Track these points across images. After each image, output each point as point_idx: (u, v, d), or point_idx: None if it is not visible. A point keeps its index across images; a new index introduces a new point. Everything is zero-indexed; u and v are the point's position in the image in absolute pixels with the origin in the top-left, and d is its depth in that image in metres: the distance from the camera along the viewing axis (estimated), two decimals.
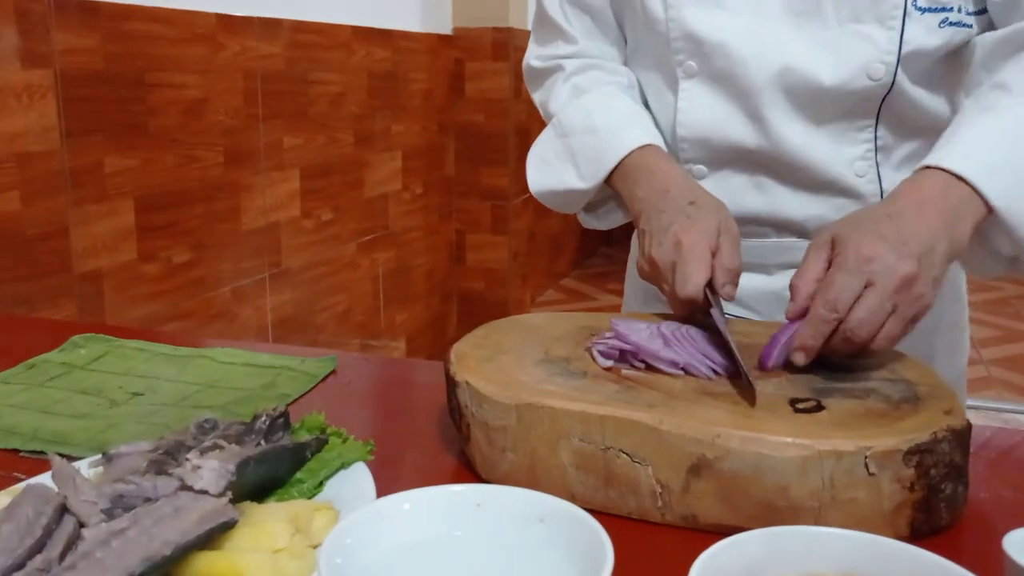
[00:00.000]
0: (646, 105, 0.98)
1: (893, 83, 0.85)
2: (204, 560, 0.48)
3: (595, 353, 0.70)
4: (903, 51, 0.83)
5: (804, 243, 0.91)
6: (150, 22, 1.86)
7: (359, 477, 0.59)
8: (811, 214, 0.90)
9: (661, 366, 0.68)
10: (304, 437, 0.62)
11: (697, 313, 0.76)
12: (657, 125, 0.96)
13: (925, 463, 0.56)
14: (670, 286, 0.77)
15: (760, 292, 0.94)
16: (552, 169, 0.96)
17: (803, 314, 0.69)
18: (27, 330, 1.09)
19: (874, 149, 0.88)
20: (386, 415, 0.80)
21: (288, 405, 0.77)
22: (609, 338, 0.71)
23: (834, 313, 0.66)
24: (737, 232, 0.80)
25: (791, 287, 0.71)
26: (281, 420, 0.63)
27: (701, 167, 0.94)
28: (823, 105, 0.87)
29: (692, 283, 0.74)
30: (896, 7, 0.83)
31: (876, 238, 0.68)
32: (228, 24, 2.11)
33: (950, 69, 0.88)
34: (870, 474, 0.55)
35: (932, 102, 0.88)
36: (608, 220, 1.01)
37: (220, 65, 2.09)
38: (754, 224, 0.93)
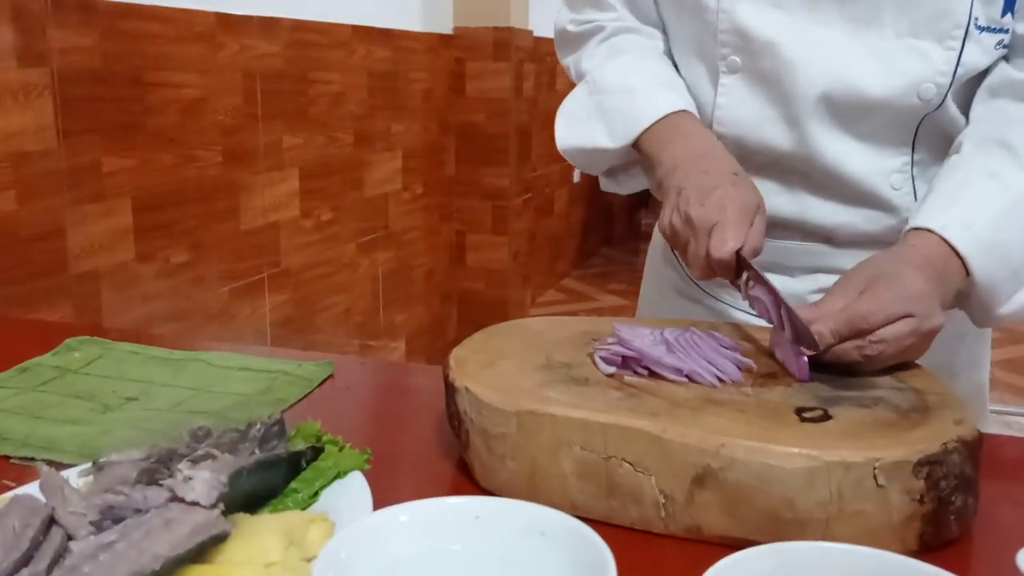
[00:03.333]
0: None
1: (941, 104, 0.83)
2: (195, 574, 0.46)
3: (597, 359, 0.69)
4: (959, 72, 0.81)
5: (830, 249, 0.91)
6: (148, 21, 1.85)
7: (355, 487, 0.58)
8: (842, 222, 0.89)
9: (664, 373, 0.66)
10: (299, 445, 0.61)
11: (717, 278, 0.76)
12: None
13: (935, 475, 0.55)
14: (701, 246, 0.76)
15: (782, 294, 0.93)
16: (581, 126, 0.94)
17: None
18: (21, 332, 1.08)
19: (911, 163, 0.86)
20: (384, 421, 0.79)
21: (284, 410, 0.76)
22: (612, 344, 0.69)
23: (865, 323, 0.66)
24: (764, 208, 0.80)
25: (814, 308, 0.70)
26: (276, 428, 0.62)
27: None
28: (866, 118, 0.85)
29: (729, 247, 0.74)
30: (958, 26, 0.80)
31: (923, 279, 0.70)
32: (227, 23, 2.10)
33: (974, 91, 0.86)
34: (879, 486, 0.54)
35: (963, 120, 0.86)
36: (629, 185, 1.00)
37: (219, 64, 2.08)
38: (782, 227, 0.92)
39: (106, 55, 1.74)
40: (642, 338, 0.69)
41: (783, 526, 0.55)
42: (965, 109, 0.86)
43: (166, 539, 0.46)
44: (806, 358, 0.67)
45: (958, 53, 0.81)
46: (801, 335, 0.67)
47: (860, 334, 0.66)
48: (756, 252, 0.76)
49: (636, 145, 0.89)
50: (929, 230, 0.75)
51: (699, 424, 0.58)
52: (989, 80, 0.84)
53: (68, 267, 1.60)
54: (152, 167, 1.88)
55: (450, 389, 0.67)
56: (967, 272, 0.74)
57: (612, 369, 0.67)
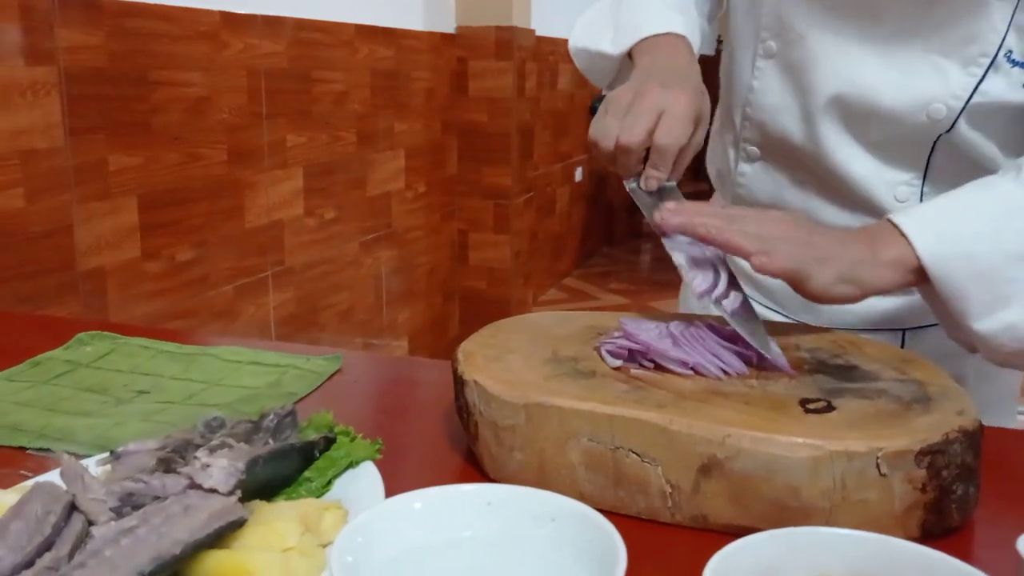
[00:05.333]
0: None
1: (951, 128, 0.81)
2: (214, 559, 0.47)
3: (604, 353, 0.70)
4: (973, 99, 0.80)
5: None
6: (154, 19, 1.86)
7: (367, 476, 0.59)
8: (843, 225, 0.88)
9: (670, 366, 0.67)
10: (312, 436, 0.62)
11: (621, 170, 0.78)
12: (729, 92, 0.97)
13: (937, 464, 0.56)
14: (614, 124, 0.76)
15: (789, 291, 0.94)
16: (594, 29, 0.97)
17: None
18: (32, 327, 1.09)
19: (922, 177, 0.86)
20: (392, 414, 0.80)
21: (295, 404, 0.77)
22: (618, 337, 0.70)
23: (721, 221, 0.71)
24: (707, 119, 0.80)
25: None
26: (289, 419, 0.63)
27: (755, 149, 0.94)
28: (875, 126, 0.85)
29: (633, 135, 0.75)
30: (985, 54, 0.78)
31: (801, 223, 0.73)
32: (232, 22, 2.11)
33: (1020, 122, 0.83)
34: (881, 475, 0.55)
35: (993, 151, 0.84)
36: None
37: (224, 63, 2.09)
38: None
39: (112, 54, 1.75)
40: (647, 332, 0.70)
41: (788, 514, 0.56)
42: (993, 139, 0.84)
43: (185, 525, 0.47)
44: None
45: (978, 80, 0.79)
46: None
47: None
48: (670, 147, 0.76)
49: (630, 55, 0.92)
50: (887, 220, 0.75)
51: (705, 415, 0.59)
52: None
53: (75, 264, 1.61)
54: (157, 165, 1.90)
55: (459, 382, 0.68)
56: (916, 258, 0.71)
57: (618, 362, 0.68)
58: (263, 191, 2.28)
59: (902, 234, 0.72)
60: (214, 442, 0.57)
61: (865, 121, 0.85)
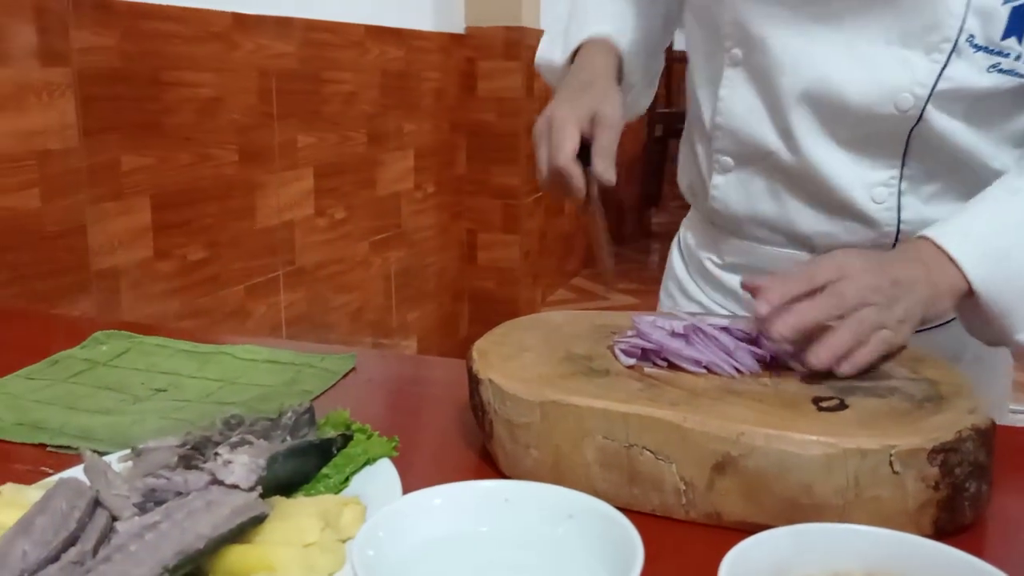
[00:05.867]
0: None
1: (921, 117, 0.81)
2: (236, 553, 0.48)
3: (617, 351, 0.70)
4: (939, 86, 0.80)
5: (812, 257, 0.90)
6: (166, 21, 1.87)
7: (385, 473, 0.60)
8: (821, 231, 0.89)
9: (684, 364, 0.68)
10: (329, 433, 0.63)
11: (572, 195, 0.78)
12: (698, 105, 0.96)
13: (950, 462, 0.56)
14: (544, 162, 0.79)
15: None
16: (551, 38, 1.00)
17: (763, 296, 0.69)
18: (48, 326, 1.10)
19: (899, 178, 0.85)
20: (407, 412, 0.81)
21: (311, 402, 0.78)
22: (631, 336, 0.71)
23: (809, 282, 0.67)
24: (616, 119, 0.80)
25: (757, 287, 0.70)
26: (307, 416, 0.64)
27: (728, 159, 0.94)
28: (847, 123, 0.85)
29: (563, 153, 0.76)
30: (947, 40, 0.79)
31: (877, 271, 0.70)
32: (243, 23, 2.12)
33: (997, 111, 0.83)
34: (894, 472, 0.55)
35: (968, 140, 0.83)
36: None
37: (235, 64, 2.10)
38: (767, 229, 0.93)
39: (125, 55, 1.76)
40: (661, 331, 0.71)
41: (801, 512, 0.56)
42: (966, 129, 0.83)
43: (208, 520, 0.48)
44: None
45: (941, 66, 0.79)
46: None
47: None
48: (607, 155, 0.77)
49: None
50: (923, 237, 0.75)
51: (719, 413, 0.59)
52: None
53: (89, 264, 1.63)
54: (169, 166, 1.91)
55: (474, 380, 0.69)
56: (967, 283, 0.72)
57: (632, 361, 0.69)
58: (274, 191, 2.29)
59: (950, 258, 0.72)
60: (234, 439, 0.57)
61: (837, 118, 0.85)
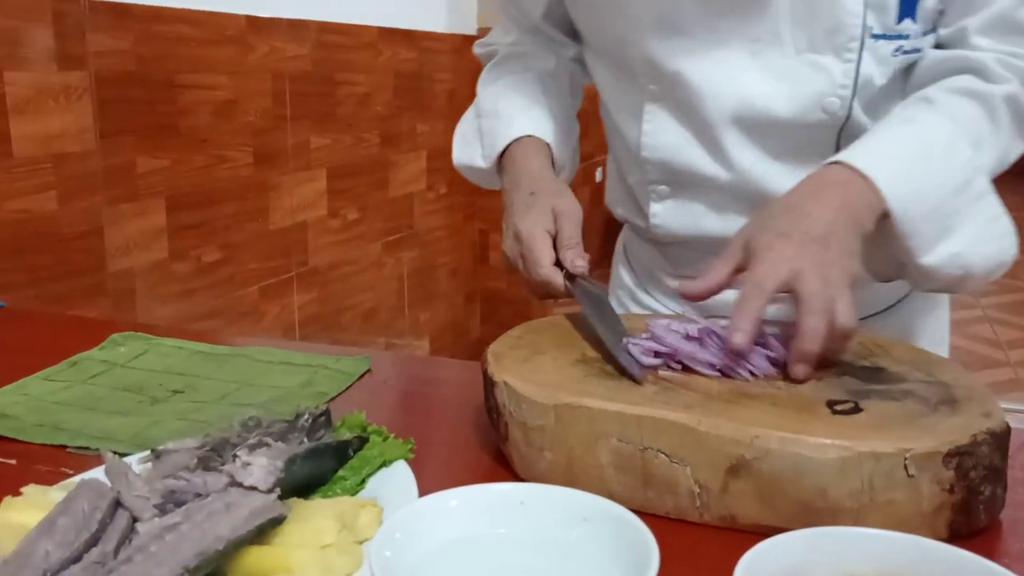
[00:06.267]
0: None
1: (848, 116, 0.84)
2: (254, 554, 0.49)
3: (633, 350, 0.70)
4: (860, 84, 0.83)
5: None
6: (181, 24, 1.88)
7: (401, 475, 0.60)
8: None
9: (698, 368, 0.68)
10: (346, 435, 0.63)
11: (557, 296, 0.80)
12: (623, 140, 0.98)
13: (964, 465, 0.56)
14: (524, 275, 0.81)
15: (720, 303, 0.95)
16: (468, 145, 1.01)
17: (698, 297, 0.74)
18: (67, 328, 1.11)
19: None
20: (422, 414, 0.81)
21: (327, 404, 0.79)
22: (645, 339, 0.71)
23: (763, 289, 0.68)
24: (574, 210, 0.82)
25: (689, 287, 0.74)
26: (323, 418, 0.64)
27: (664, 187, 0.95)
28: (779, 137, 0.87)
29: (541, 266, 0.78)
30: (853, 39, 0.82)
31: (783, 234, 0.70)
32: (257, 25, 2.13)
33: (899, 94, 0.87)
34: (909, 476, 0.55)
35: None
36: None
37: (249, 66, 2.12)
38: (716, 245, 0.92)
39: (140, 58, 1.77)
40: (675, 334, 0.71)
41: (815, 515, 0.56)
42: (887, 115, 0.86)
43: (227, 521, 0.49)
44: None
45: (856, 65, 0.83)
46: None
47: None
48: (575, 249, 0.79)
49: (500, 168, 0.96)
50: (838, 162, 0.76)
51: (733, 416, 0.60)
52: (917, 72, 0.86)
53: (105, 265, 1.64)
54: (185, 167, 1.92)
55: (489, 383, 0.69)
56: (884, 202, 0.74)
57: (652, 360, 0.69)
58: (287, 193, 2.31)
59: (865, 179, 0.74)
60: (251, 441, 0.58)
61: (768, 134, 0.87)
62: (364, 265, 2.73)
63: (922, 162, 0.77)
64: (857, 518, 0.56)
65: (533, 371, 0.68)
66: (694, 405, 0.61)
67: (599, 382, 0.66)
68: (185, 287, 1.95)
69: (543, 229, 0.80)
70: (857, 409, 0.61)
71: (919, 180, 0.76)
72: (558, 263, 0.80)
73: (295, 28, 2.29)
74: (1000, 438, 0.58)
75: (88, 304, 1.60)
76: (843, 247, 0.70)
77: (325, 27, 2.43)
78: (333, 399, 0.82)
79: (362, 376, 0.88)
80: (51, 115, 1.47)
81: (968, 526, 0.58)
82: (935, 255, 0.77)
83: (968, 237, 0.78)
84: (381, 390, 0.86)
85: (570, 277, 0.79)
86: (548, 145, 0.94)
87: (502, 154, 0.95)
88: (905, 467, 0.55)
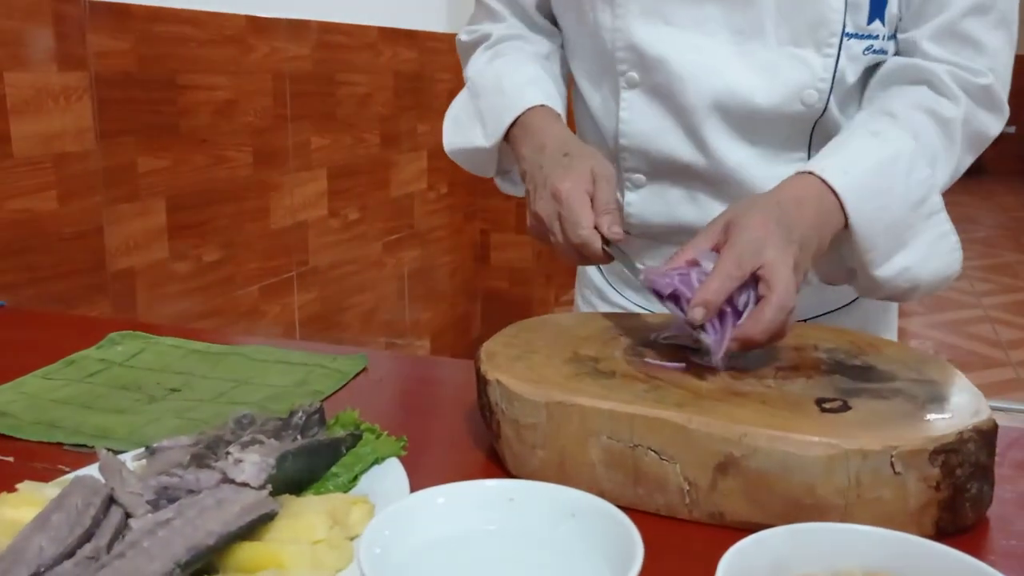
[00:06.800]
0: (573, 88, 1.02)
1: (825, 109, 0.87)
2: (246, 550, 0.49)
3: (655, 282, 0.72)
4: (837, 77, 0.86)
5: None
6: (181, 24, 1.89)
7: (393, 472, 0.61)
8: None
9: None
10: (339, 433, 0.64)
11: (594, 261, 0.78)
12: (598, 130, 0.98)
13: (951, 463, 0.57)
14: (560, 237, 0.79)
15: None
16: (463, 128, 0.99)
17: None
18: (65, 327, 1.12)
19: None
20: (416, 412, 0.82)
21: (321, 402, 0.79)
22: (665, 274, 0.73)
23: (739, 270, 0.68)
24: (612, 173, 0.81)
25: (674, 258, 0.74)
26: (316, 416, 0.65)
27: (640, 176, 0.96)
28: (757, 126, 0.89)
29: (582, 227, 0.77)
30: (834, 34, 0.85)
31: (771, 220, 0.71)
32: (257, 26, 2.14)
33: (861, 93, 0.91)
34: (896, 473, 0.56)
35: None
36: (521, 187, 1.01)
37: (249, 66, 2.12)
38: (689, 235, 0.93)
39: (141, 58, 1.78)
40: (668, 277, 0.73)
41: (803, 512, 0.57)
42: (856, 111, 0.90)
43: (219, 517, 0.49)
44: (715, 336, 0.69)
45: (835, 60, 0.86)
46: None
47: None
48: (612, 213, 0.77)
49: (509, 143, 0.93)
50: (808, 172, 0.78)
51: (722, 414, 0.60)
52: (879, 74, 0.89)
53: (106, 265, 1.65)
54: (185, 167, 1.93)
55: (482, 381, 0.69)
56: (844, 216, 0.77)
57: (669, 286, 0.71)
58: (288, 192, 2.31)
59: (834, 193, 0.77)
60: (245, 438, 0.59)
61: (748, 123, 0.89)
62: (364, 265, 2.73)
63: (887, 179, 0.79)
64: (844, 515, 0.57)
65: (525, 369, 0.68)
66: (684, 403, 0.62)
67: (591, 380, 0.66)
68: (185, 287, 1.95)
69: (583, 190, 0.79)
70: (846, 407, 0.61)
71: (883, 197, 0.79)
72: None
73: (296, 28, 2.30)
74: (987, 436, 0.58)
75: (88, 304, 1.60)
76: (807, 261, 0.73)
77: (326, 27, 2.43)
78: (328, 397, 0.82)
79: (358, 375, 0.89)
80: (51, 115, 1.47)
81: (955, 523, 0.58)
82: (888, 268, 0.81)
83: (919, 252, 0.81)
84: (376, 389, 0.87)
85: (605, 242, 0.77)
86: (561, 118, 0.93)
87: (510, 130, 0.92)
88: (892, 464, 0.56)
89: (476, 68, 1.02)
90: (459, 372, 0.89)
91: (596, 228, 0.77)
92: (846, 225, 0.78)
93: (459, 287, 3.44)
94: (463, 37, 1.09)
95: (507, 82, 0.95)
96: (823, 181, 0.77)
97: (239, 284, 2.14)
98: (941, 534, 0.57)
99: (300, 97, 2.32)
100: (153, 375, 0.88)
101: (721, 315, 0.69)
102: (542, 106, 0.91)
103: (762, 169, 0.90)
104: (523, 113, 0.91)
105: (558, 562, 0.49)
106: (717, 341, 0.68)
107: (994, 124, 0.87)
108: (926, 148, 0.82)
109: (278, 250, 2.29)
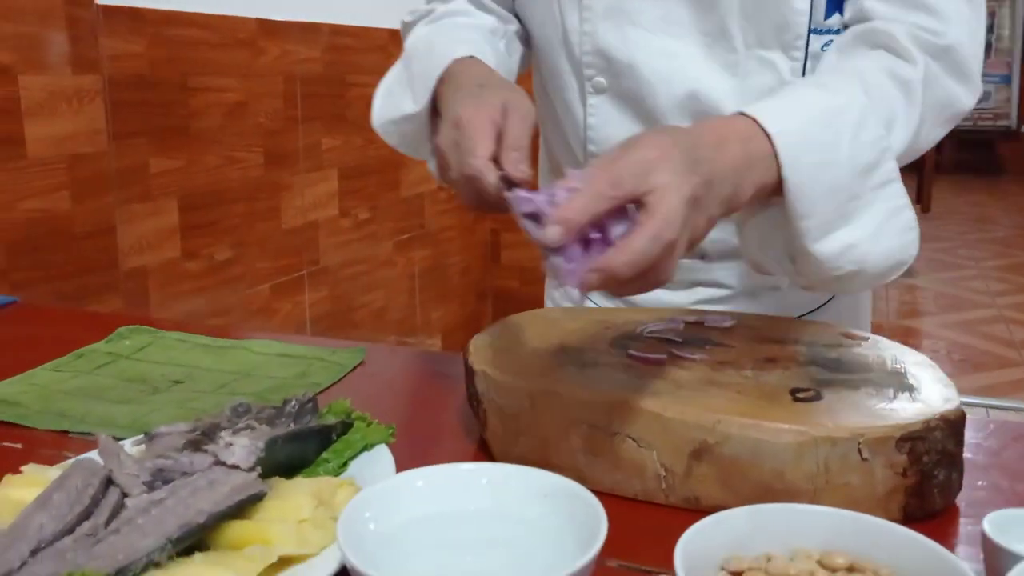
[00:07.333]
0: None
1: None
2: (235, 528, 0.52)
3: (518, 198, 0.62)
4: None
5: (704, 264, 0.94)
6: (193, 28, 1.93)
7: (381, 458, 0.63)
8: (714, 237, 0.83)
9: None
10: (330, 420, 0.66)
11: (492, 204, 0.67)
12: (565, 138, 0.96)
13: (917, 450, 0.58)
14: (455, 171, 0.68)
15: (657, 302, 0.95)
16: (393, 98, 0.89)
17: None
18: (76, 322, 1.15)
19: None
20: (410, 403, 0.84)
21: (319, 393, 0.82)
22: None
23: (615, 190, 0.56)
24: (529, 109, 0.70)
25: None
26: (310, 405, 0.67)
27: None
28: None
29: (475, 155, 0.65)
30: (800, 37, 0.83)
31: (671, 143, 0.60)
32: (268, 29, 2.17)
33: None
34: (863, 459, 0.58)
35: None
36: None
37: (260, 69, 2.16)
38: None
39: (153, 61, 1.82)
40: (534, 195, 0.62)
41: (774, 496, 0.59)
42: None
43: (210, 497, 0.52)
44: (566, 262, 0.58)
45: (802, 63, 0.84)
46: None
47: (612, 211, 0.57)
48: (521, 151, 0.66)
49: (435, 107, 0.83)
50: (741, 114, 0.68)
51: (698, 403, 0.62)
52: (833, 46, 0.82)
53: (118, 263, 1.69)
54: (197, 168, 1.96)
55: (469, 372, 0.72)
56: (777, 168, 0.66)
57: (530, 204, 0.61)
58: (299, 193, 2.35)
59: (766, 135, 0.66)
60: (239, 425, 0.61)
61: None
62: (375, 264, 2.76)
63: (830, 131, 0.68)
64: (813, 500, 0.58)
65: (511, 361, 0.71)
66: (662, 393, 0.64)
67: (574, 371, 0.68)
68: (197, 285, 1.99)
69: (488, 119, 0.67)
70: (819, 397, 0.63)
71: (825, 152, 0.68)
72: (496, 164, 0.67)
73: (306, 31, 2.33)
74: (954, 425, 0.60)
75: (101, 301, 1.64)
76: (715, 205, 0.62)
77: (336, 30, 2.47)
78: (326, 389, 0.85)
79: (356, 368, 0.91)
80: (65, 117, 1.51)
81: (923, 509, 0.60)
82: (828, 243, 0.69)
83: (868, 228, 0.70)
84: (372, 381, 0.89)
85: (507, 185, 0.64)
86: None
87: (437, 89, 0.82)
88: (859, 451, 0.58)
89: (413, 38, 0.94)
90: (454, 366, 0.92)
91: (499, 165, 0.66)
92: (779, 184, 0.67)
93: (469, 286, 3.47)
94: (406, 18, 1.01)
95: (438, 40, 0.87)
96: (755, 122, 0.67)
97: (250, 283, 2.17)
98: (909, 519, 0.59)
99: (311, 99, 2.36)
100: (158, 368, 0.91)
101: (587, 243, 0.58)
102: (469, 57, 0.82)
103: None
104: (449, 65, 0.81)
105: (531, 539, 0.51)
106: (572, 271, 0.57)
107: (964, 95, 0.78)
108: (880, 106, 0.72)
109: (289, 249, 2.32)
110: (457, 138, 0.68)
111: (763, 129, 0.67)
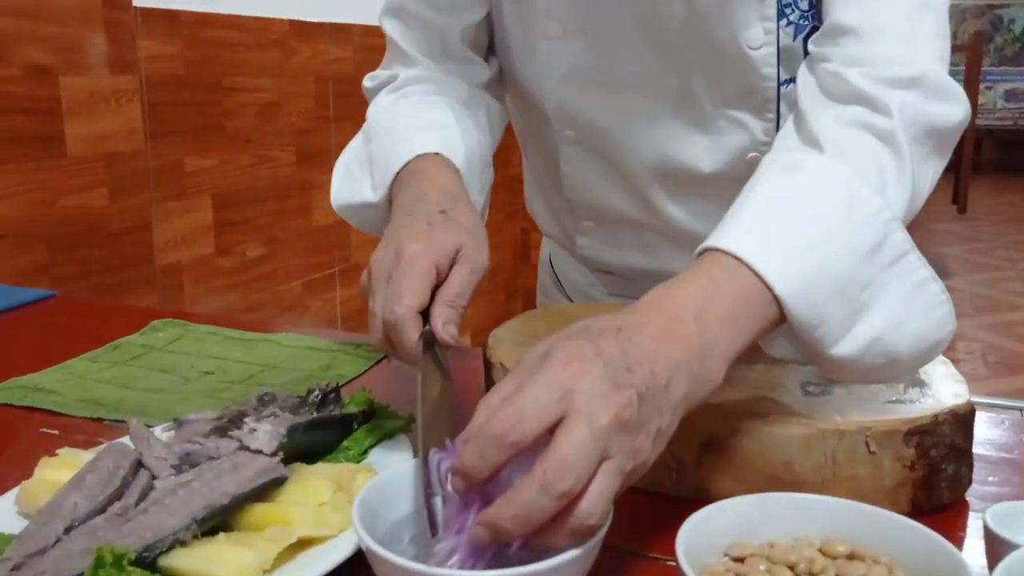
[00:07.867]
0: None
1: None
2: (257, 510, 0.54)
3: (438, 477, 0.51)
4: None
5: None
6: (227, 29, 1.97)
7: (400, 447, 0.65)
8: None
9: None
10: (352, 409, 0.68)
11: (401, 354, 0.61)
12: (547, 176, 0.93)
13: (925, 443, 0.59)
14: (376, 303, 0.62)
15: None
16: (351, 178, 0.82)
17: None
18: (112, 315, 1.19)
19: None
20: None
21: (343, 384, 0.84)
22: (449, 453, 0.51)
23: (516, 434, 0.45)
24: (481, 263, 0.65)
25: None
26: (333, 395, 0.69)
27: (590, 223, 0.94)
28: (704, 187, 0.83)
29: (401, 304, 0.59)
30: (769, 100, 0.78)
31: (592, 352, 0.48)
32: (301, 30, 2.21)
33: None
34: (871, 452, 0.59)
35: None
36: None
37: (293, 69, 2.20)
38: (641, 278, 0.91)
39: (189, 62, 1.86)
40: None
41: (782, 488, 0.60)
42: None
43: (234, 480, 0.54)
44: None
45: (775, 123, 0.78)
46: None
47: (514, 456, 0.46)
48: (454, 308, 0.61)
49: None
50: (699, 253, 0.58)
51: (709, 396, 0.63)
52: (798, 101, 0.70)
53: (154, 259, 1.73)
54: (230, 167, 2.01)
55: (487, 365, 0.74)
56: (769, 291, 0.55)
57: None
58: (330, 191, 2.38)
59: (758, 276, 0.55)
60: (264, 413, 0.64)
61: (694, 185, 0.84)
62: None
63: (818, 226, 0.58)
64: (821, 492, 0.59)
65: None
66: None
67: None
68: (230, 281, 2.03)
69: (432, 262, 0.62)
70: (828, 392, 0.64)
71: (815, 252, 0.56)
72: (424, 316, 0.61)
73: (338, 32, 2.37)
74: (964, 419, 0.61)
75: (137, 296, 1.68)
76: (659, 419, 0.50)
77: (368, 30, 2.50)
78: (351, 381, 0.87)
79: (381, 360, 0.93)
80: (103, 117, 1.56)
81: (930, 502, 0.61)
82: (848, 342, 0.58)
83: (889, 315, 0.58)
84: (396, 372, 0.91)
85: (427, 342, 0.60)
86: (459, 172, 0.75)
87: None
88: (866, 444, 0.59)
89: (375, 109, 0.87)
90: (474, 359, 0.93)
91: (427, 317, 0.61)
92: (782, 313, 0.56)
93: (500, 285, 3.49)
94: (366, 83, 0.92)
95: (401, 123, 0.79)
96: (724, 253, 0.56)
97: (282, 279, 2.21)
98: (917, 512, 0.60)
99: (342, 98, 2.39)
100: (189, 359, 0.94)
101: (481, 493, 0.47)
102: (433, 154, 0.75)
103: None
104: (412, 160, 0.74)
105: None
106: (453, 528, 0.47)
107: (951, 111, 0.66)
108: (866, 169, 0.61)
109: (320, 247, 2.36)
110: (392, 272, 0.62)
111: (735, 257, 0.56)
